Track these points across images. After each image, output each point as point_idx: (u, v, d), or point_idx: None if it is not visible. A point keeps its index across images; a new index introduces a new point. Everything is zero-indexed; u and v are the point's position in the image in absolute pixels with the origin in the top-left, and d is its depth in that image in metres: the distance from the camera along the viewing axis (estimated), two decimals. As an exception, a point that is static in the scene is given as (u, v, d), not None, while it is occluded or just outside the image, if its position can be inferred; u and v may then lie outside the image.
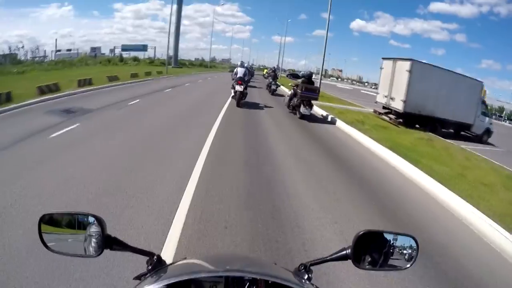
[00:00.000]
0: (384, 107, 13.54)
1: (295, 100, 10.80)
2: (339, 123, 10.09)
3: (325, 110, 12.36)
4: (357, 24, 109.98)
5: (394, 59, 12.54)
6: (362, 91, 51.07)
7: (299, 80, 11.12)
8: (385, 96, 13.08)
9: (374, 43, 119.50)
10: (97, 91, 13.19)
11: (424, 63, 11.92)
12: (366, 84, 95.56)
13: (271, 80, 19.09)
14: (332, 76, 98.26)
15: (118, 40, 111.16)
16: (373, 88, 78.46)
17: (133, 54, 50.44)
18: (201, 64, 66.26)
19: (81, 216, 0.91)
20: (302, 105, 10.25)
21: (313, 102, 10.65)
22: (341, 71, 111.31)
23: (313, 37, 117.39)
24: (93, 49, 54.20)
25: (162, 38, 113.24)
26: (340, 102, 17.98)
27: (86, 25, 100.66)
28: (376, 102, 14.20)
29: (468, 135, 14.29)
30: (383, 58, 13.54)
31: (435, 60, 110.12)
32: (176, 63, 48.00)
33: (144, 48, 56.86)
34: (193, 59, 78.39)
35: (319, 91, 10.85)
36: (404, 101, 11.76)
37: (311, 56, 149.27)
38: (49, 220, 0.91)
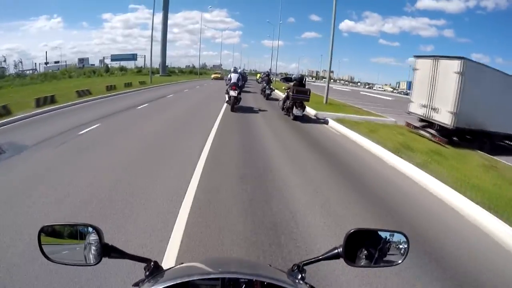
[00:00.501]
0: (422, 120, 10.66)
1: (288, 102, 11.07)
2: (382, 152, 6.99)
3: (350, 128, 9.37)
4: (346, 25, 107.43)
5: (435, 58, 9.64)
6: (361, 92, 48.18)
7: (291, 84, 11.29)
8: (423, 106, 10.17)
9: (364, 43, 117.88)
10: (54, 113, 10.50)
11: (477, 62, 9.09)
12: (358, 84, 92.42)
13: (265, 84, 18.47)
14: (324, 77, 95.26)
15: (109, 50, 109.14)
16: (367, 88, 76.76)
17: (123, 63, 48.81)
18: (191, 72, 63.87)
19: (79, 226, 0.94)
20: (294, 107, 10.54)
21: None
22: (332, 72, 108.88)
23: (302, 40, 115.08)
24: (81, 60, 52.86)
25: (153, 47, 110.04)
26: (355, 111, 14.99)
27: (76, 36, 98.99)
28: (409, 113, 11.32)
29: (507, 145, 11.34)
30: (416, 56, 10.68)
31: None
32: (164, 71, 45.56)
33: (134, 57, 55.11)
34: (184, 67, 76.20)
35: (309, 93, 10.73)
36: (454, 113, 8.86)
37: (302, 59, 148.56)
38: (48, 232, 0.93)
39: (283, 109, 11.86)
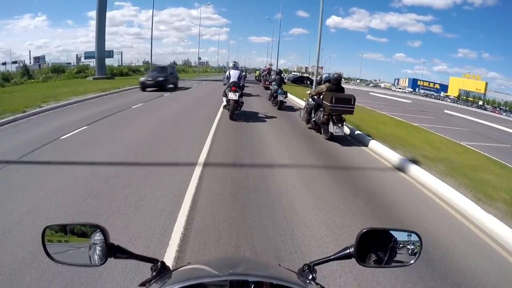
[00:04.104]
0: None
1: (320, 114, 7.78)
2: None
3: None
4: (333, 20, 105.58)
5: None
6: (445, 111, 24.15)
7: (323, 87, 7.90)
8: None
9: (351, 38, 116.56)
10: None
11: None
12: (357, 81, 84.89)
13: (276, 87, 12.74)
14: (314, 73, 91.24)
15: (94, 49, 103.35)
16: (372, 86, 63.78)
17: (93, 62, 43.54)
18: (147, 68, 44.57)
19: (84, 226, 0.89)
20: (331, 122, 7.34)
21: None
22: (321, 68, 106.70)
23: (290, 36, 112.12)
24: (36, 59, 47.60)
25: (139, 44, 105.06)
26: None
27: (61, 34, 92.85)
28: None
29: None
30: None
31: (413, 52, 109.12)
32: (102, 72, 29.01)
33: (109, 54, 49.49)
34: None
35: (354, 101, 7.34)
36: None
37: (288, 55, 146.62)
38: (52, 231, 0.89)
39: (308, 121, 8.70)
